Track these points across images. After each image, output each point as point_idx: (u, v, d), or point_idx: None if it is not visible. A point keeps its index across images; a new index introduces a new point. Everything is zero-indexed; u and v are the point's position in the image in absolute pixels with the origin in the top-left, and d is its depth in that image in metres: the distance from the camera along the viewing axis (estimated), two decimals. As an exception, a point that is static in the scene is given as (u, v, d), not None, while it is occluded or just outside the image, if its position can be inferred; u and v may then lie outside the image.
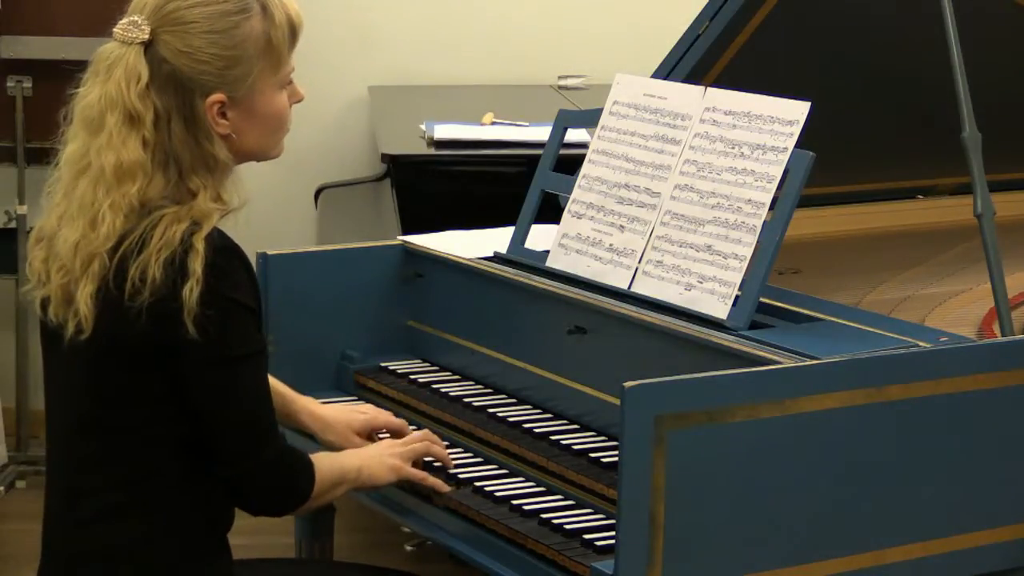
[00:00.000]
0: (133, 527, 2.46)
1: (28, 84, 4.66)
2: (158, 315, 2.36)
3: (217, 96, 2.44)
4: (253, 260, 3.20)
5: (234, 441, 2.46)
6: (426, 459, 2.81)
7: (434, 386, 3.14)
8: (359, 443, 2.86)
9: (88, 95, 2.45)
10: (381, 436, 2.93)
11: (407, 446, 2.77)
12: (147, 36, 2.42)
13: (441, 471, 2.81)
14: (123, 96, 2.41)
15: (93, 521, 2.47)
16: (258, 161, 2.55)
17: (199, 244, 2.37)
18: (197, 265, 2.35)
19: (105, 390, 2.44)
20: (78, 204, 2.43)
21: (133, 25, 2.43)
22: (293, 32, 2.50)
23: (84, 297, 2.39)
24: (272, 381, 2.63)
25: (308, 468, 2.56)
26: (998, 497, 2.64)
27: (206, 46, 2.42)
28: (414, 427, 3.02)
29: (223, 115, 2.45)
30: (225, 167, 2.47)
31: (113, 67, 2.43)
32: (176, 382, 2.42)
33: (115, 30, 2.46)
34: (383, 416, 2.94)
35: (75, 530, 2.49)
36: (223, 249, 2.41)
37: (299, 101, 2.55)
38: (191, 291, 2.34)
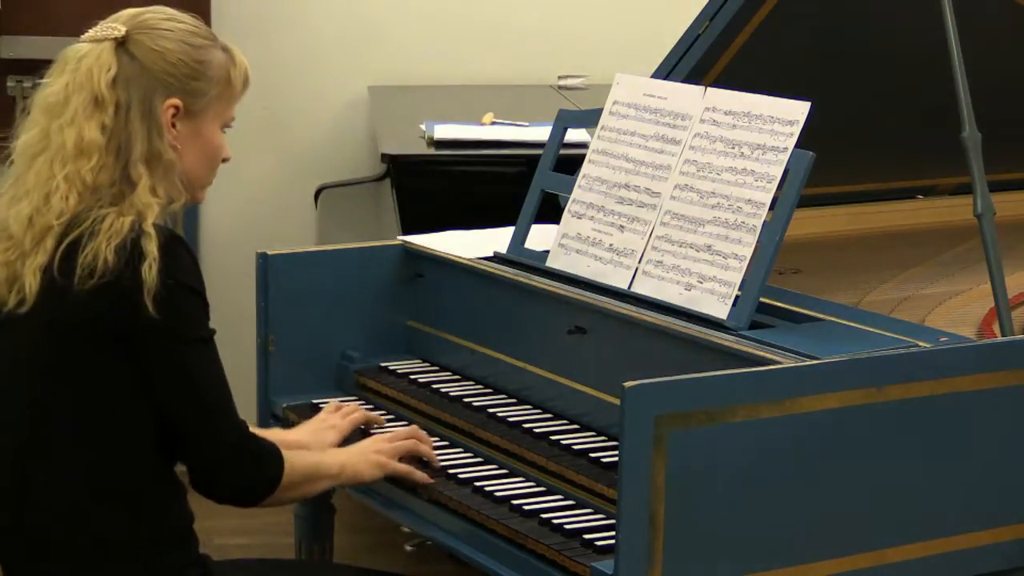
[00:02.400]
0: (99, 520, 2.46)
1: (28, 84, 4.65)
2: (114, 295, 2.40)
3: (174, 100, 2.52)
4: (253, 260, 3.24)
5: (195, 426, 2.48)
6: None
7: (434, 386, 3.14)
8: None
9: (52, 85, 2.53)
10: (373, 431, 2.95)
11: (393, 443, 2.79)
12: (122, 34, 2.52)
13: (427, 468, 2.81)
14: (91, 81, 2.49)
15: (56, 521, 2.47)
16: (183, 193, 2.56)
17: (150, 229, 2.43)
18: (152, 247, 2.41)
19: (69, 374, 2.44)
20: (33, 181, 2.49)
21: (108, 27, 2.54)
22: (246, 82, 2.62)
23: (32, 269, 2.44)
24: None
25: (275, 455, 2.57)
26: (998, 497, 2.64)
27: (176, 50, 2.52)
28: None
29: (173, 124, 2.53)
30: (169, 166, 2.52)
31: (83, 60, 2.52)
32: (134, 367, 2.44)
33: (87, 33, 2.55)
34: (351, 419, 2.94)
35: (36, 530, 2.49)
36: (171, 237, 2.46)
37: (226, 160, 2.62)
38: (150, 268, 2.40)
